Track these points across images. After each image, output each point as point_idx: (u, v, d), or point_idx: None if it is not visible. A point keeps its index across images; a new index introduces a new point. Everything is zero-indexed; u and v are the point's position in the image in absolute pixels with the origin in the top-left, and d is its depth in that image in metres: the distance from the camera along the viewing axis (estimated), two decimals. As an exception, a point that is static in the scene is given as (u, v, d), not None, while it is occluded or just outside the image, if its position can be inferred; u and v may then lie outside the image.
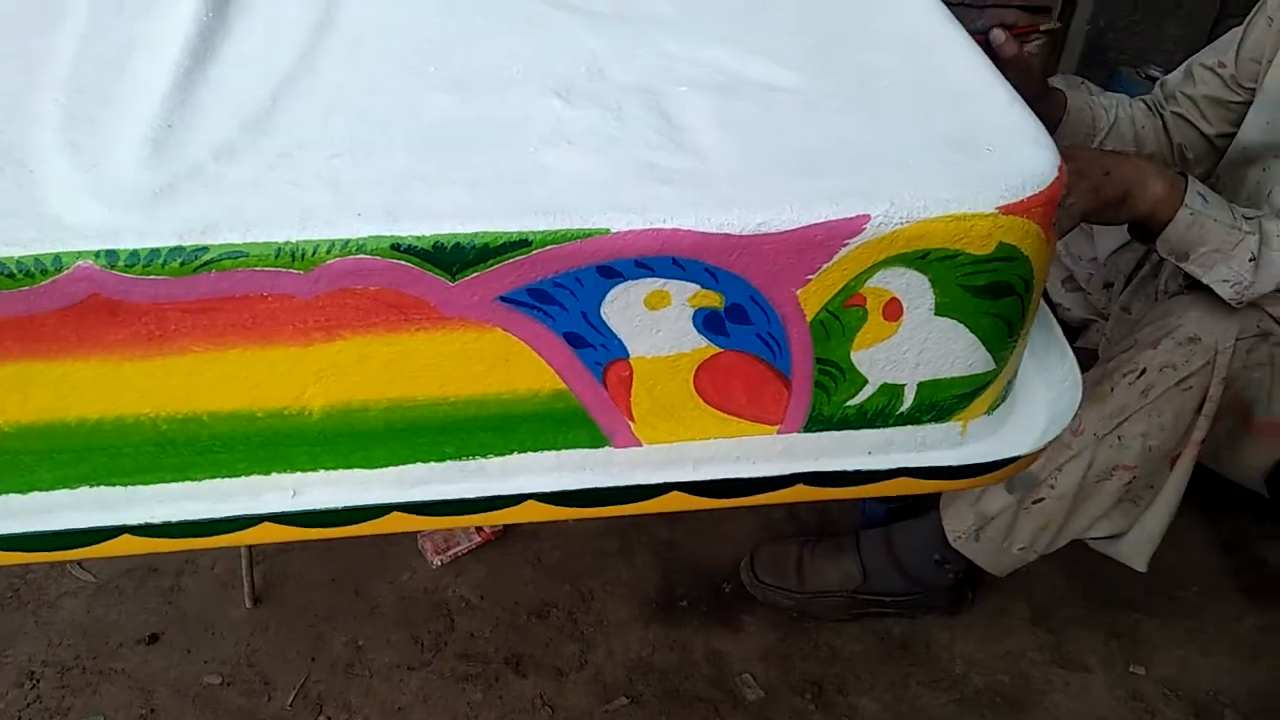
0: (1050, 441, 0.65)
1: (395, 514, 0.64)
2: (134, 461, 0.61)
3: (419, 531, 1.32)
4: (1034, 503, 1.19)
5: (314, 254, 0.54)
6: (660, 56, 0.68)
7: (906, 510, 1.37)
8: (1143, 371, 1.11)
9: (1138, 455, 1.14)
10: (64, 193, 0.57)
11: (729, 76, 0.66)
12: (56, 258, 0.53)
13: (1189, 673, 1.31)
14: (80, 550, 0.63)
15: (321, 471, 0.64)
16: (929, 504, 1.30)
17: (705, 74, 0.66)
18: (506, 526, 1.35)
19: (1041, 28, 1.14)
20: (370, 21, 0.73)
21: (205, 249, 0.54)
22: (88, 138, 0.61)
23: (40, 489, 0.62)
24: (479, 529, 1.33)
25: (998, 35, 1.16)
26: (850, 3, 0.74)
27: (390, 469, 0.64)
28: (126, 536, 0.62)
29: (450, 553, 1.32)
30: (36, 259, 0.53)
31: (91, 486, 0.62)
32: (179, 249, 0.54)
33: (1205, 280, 1.09)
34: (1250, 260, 1.04)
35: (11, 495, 0.62)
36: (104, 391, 0.58)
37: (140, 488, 0.62)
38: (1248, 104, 1.24)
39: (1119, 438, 1.13)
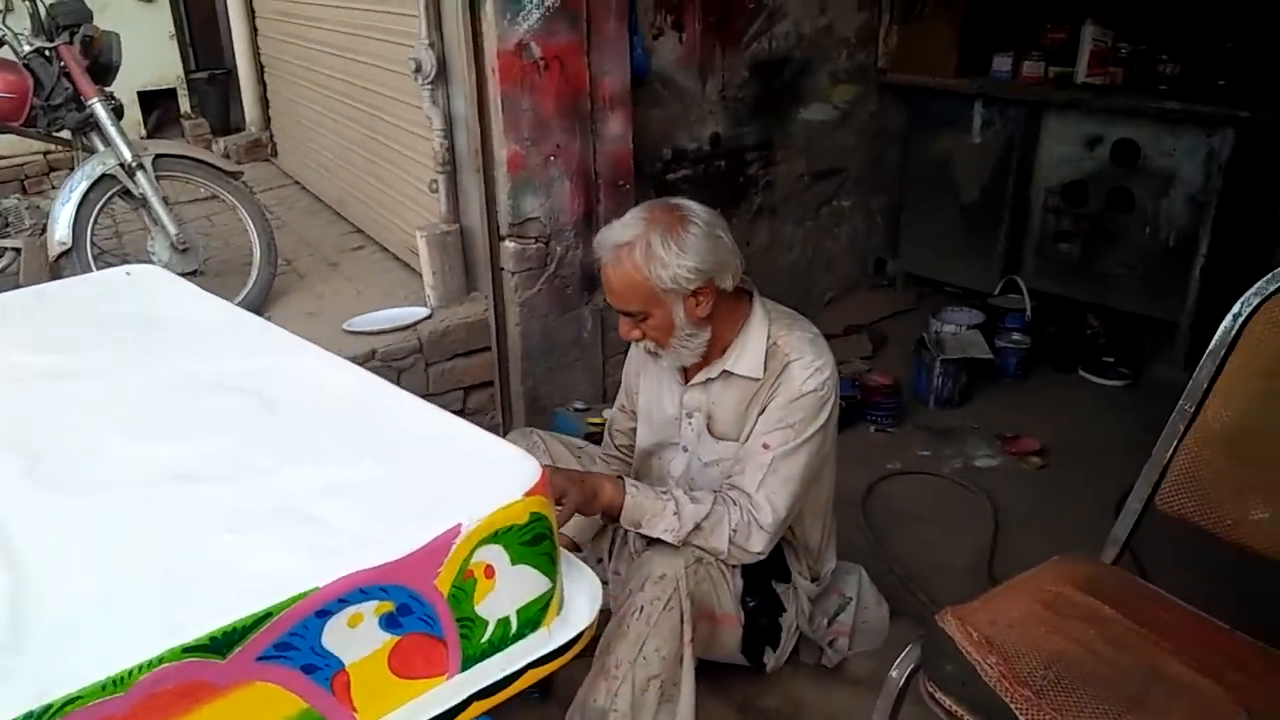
0: (595, 617, 1.10)
1: None
2: None
3: None
4: (609, 728, 1.62)
5: (130, 677, 0.80)
6: (276, 487, 1.05)
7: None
8: (641, 608, 1.65)
9: (659, 665, 1.65)
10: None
11: (330, 484, 1.05)
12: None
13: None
14: None
15: None
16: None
17: (313, 487, 1.04)
18: None
19: None
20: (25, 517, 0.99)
21: (50, 705, 0.77)
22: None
23: None
24: None
25: None
26: (373, 418, 1.20)
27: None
28: None
29: None
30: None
31: None
32: (30, 713, 0.76)
33: (655, 535, 1.71)
34: (674, 515, 1.69)
35: None
36: None
37: None
38: None
39: (644, 658, 1.64)
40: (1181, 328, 3.36)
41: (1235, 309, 1.49)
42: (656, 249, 1.61)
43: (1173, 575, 2.18)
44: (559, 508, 1.57)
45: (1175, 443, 1.53)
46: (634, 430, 2.01)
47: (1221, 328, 1.50)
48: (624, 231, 1.66)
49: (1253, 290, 1.48)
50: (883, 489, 2.82)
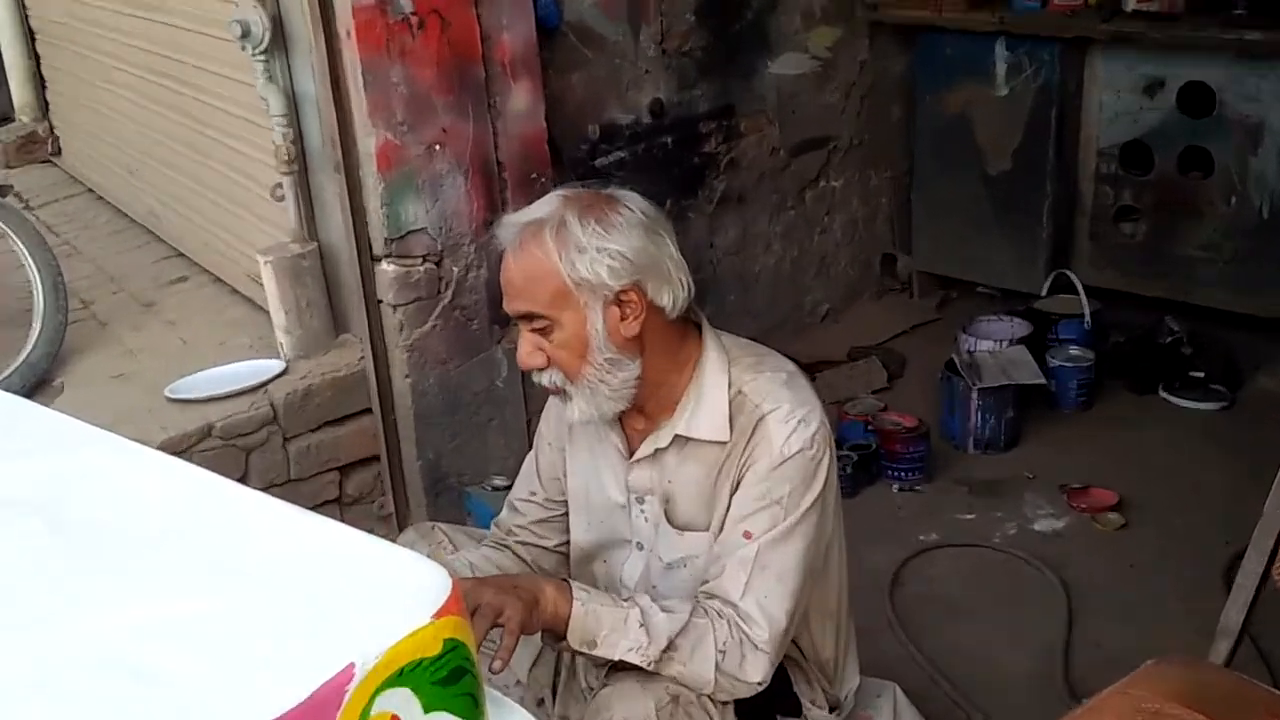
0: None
1: None
2: None
3: None
4: None
5: None
6: (86, 634, 1.01)
7: None
8: None
9: None
10: None
11: (161, 624, 1.02)
12: None
13: None
14: None
15: None
16: None
17: (137, 629, 1.02)
18: None
19: None
20: None
21: None
22: None
23: None
24: None
25: None
26: (210, 529, 1.19)
27: None
28: None
29: None
30: None
31: None
32: None
33: (616, 657, 1.71)
34: (640, 627, 1.68)
35: None
36: None
37: None
38: (567, 514, 1.99)
39: None
40: (1289, 326, 3.47)
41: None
42: (573, 228, 1.64)
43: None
44: (497, 629, 1.56)
45: (1293, 499, 1.57)
46: (538, 525, 1.98)
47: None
48: (535, 210, 1.70)
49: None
50: (915, 569, 2.87)
